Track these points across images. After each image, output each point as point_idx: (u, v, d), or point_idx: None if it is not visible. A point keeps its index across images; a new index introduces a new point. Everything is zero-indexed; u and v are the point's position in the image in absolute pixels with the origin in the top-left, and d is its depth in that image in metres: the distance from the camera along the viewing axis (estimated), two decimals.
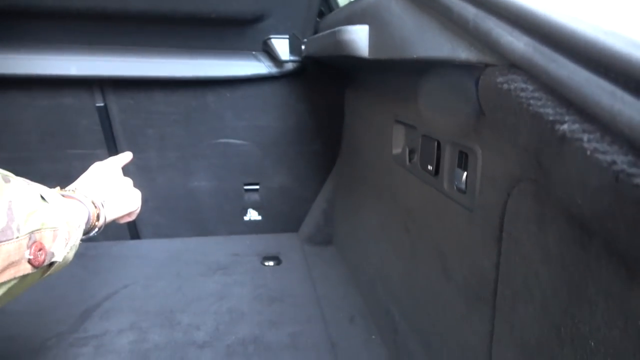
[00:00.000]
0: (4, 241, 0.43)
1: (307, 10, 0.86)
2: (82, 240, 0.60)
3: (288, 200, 1.44)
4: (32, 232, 0.46)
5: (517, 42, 0.40)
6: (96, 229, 0.66)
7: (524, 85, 0.39)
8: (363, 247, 1.18)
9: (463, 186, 0.62)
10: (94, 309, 1.23)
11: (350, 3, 0.87)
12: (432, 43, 0.53)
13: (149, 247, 1.49)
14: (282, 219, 1.49)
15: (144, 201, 0.80)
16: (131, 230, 1.49)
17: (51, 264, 0.51)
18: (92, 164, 0.77)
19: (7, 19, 0.76)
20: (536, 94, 0.37)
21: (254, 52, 0.93)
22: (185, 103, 1.00)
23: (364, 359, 1.04)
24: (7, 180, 0.47)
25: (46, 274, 0.52)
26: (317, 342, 1.09)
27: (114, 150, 1.12)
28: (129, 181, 0.77)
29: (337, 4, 1.10)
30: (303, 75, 0.99)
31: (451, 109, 0.61)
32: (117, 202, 0.71)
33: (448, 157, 0.67)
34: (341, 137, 1.19)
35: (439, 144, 0.69)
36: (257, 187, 1.35)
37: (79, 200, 0.63)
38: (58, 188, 0.64)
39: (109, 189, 0.71)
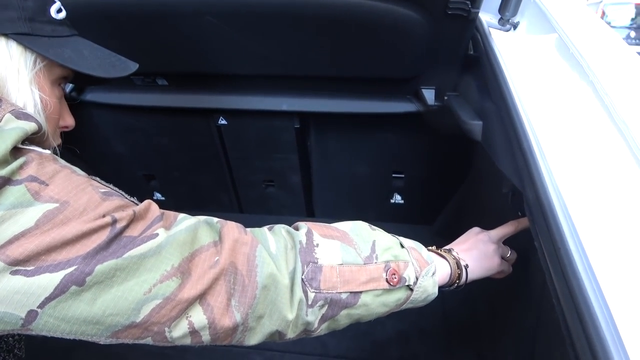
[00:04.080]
0: (368, 263, 0.65)
1: (450, 72, 1.12)
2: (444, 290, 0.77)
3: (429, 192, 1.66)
4: (388, 261, 0.66)
5: None
6: (455, 285, 0.77)
7: None
8: None
9: None
10: None
11: None
12: None
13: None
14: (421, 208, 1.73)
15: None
16: (308, 209, 1.85)
17: (408, 297, 0.68)
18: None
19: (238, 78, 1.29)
20: None
21: (408, 97, 1.22)
22: (353, 129, 1.44)
23: None
24: (373, 229, 0.71)
25: (403, 305, 0.69)
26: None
27: (304, 154, 1.58)
28: (500, 251, 0.83)
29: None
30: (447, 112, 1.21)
31: None
32: (480, 268, 0.80)
33: None
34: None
35: None
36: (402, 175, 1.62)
37: (444, 257, 0.77)
38: (434, 247, 0.80)
39: (477, 256, 0.80)
